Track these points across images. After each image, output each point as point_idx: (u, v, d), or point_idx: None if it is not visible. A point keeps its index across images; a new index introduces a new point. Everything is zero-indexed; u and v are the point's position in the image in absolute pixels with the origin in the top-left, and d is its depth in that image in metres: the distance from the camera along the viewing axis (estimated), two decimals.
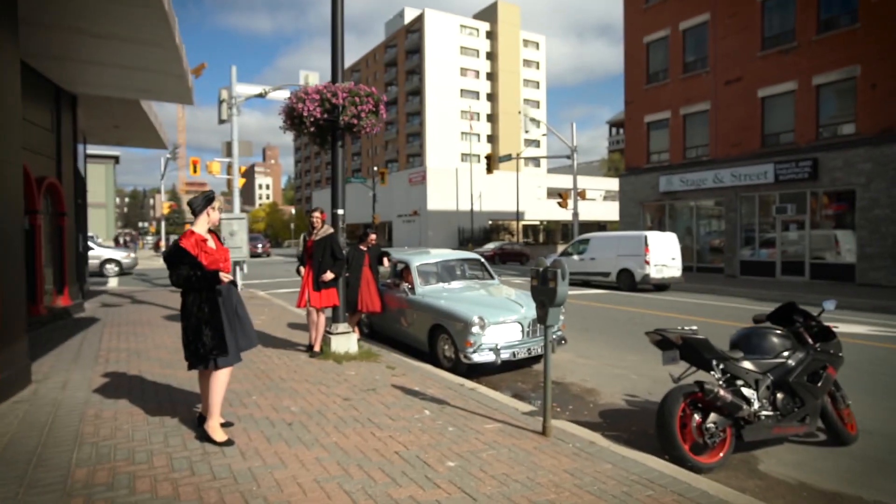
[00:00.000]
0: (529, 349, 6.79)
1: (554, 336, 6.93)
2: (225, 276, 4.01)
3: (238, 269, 14.96)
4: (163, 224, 35.16)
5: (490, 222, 51.28)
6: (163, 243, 33.67)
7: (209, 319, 3.97)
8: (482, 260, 8.82)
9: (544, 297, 4.30)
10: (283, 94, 16.90)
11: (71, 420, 4.41)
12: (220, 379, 4.03)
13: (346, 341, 7.17)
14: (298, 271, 7.27)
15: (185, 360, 4.05)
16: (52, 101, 9.37)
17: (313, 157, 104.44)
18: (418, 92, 69.64)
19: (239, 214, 15.37)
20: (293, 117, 6.98)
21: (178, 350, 4.54)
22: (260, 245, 38.93)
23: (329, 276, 6.85)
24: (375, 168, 44.93)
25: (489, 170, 29.83)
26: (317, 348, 7.05)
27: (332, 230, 7.11)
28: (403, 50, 71.86)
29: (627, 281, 15.81)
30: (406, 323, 7.87)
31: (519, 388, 6.36)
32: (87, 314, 9.96)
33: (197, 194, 4.14)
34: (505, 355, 6.57)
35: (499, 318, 6.69)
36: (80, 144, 12.72)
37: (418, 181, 51.25)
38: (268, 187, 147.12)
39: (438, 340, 7.11)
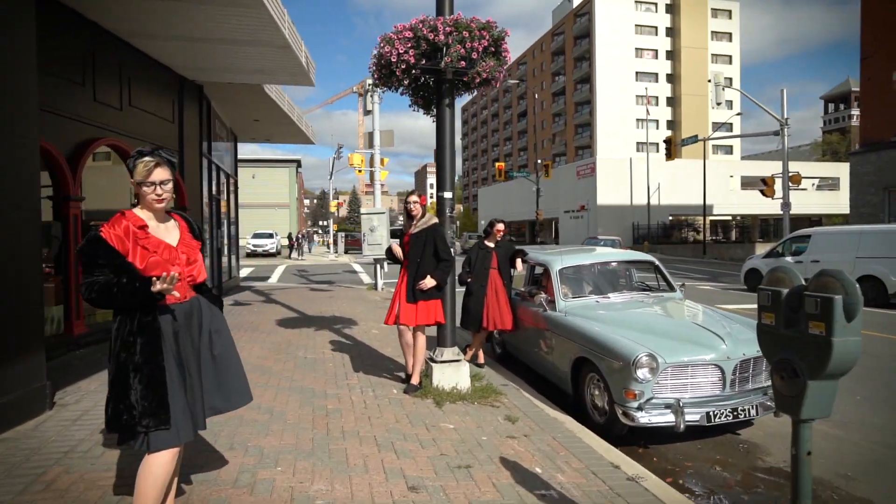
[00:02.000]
0: (735, 410, 4.21)
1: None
2: (169, 289, 2.30)
3: (378, 267, 14.01)
4: (330, 222, 37.07)
5: (671, 217, 45.71)
6: (332, 241, 35.31)
7: (140, 365, 2.33)
8: (657, 263, 6.25)
9: (799, 354, 1.92)
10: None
11: (32, 471, 3.16)
12: (154, 470, 2.34)
13: (455, 373, 5.25)
14: (389, 256, 5.49)
15: (105, 424, 2.45)
16: (175, 90, 8.96)
17: (480, 154, 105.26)
18: (588, 79, 65.47)
19: (380, 209, 14.42)
20: (381, 66, 5.25)
21: (251, 370, 3.03)
22: None
23: (429, 282, 5.01)
24: (539, 161, 42.67)
25: (669, 156, 25.77)
26: (415, 380, 5.24)
27: (435, 220, 5.25)
28: (571, 36, 68.16)
29: (874, 293, 11.52)
30: (543, 349, 5.71)
31: (717, 477, 3.85)
32: None
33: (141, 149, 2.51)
34: (693, 417, 4.10)
35: (682, 357, 4.23)
36: (224, 142, 12.70)
37: (587, 173, 47.72)
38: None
39: (585, 381, 4.85)
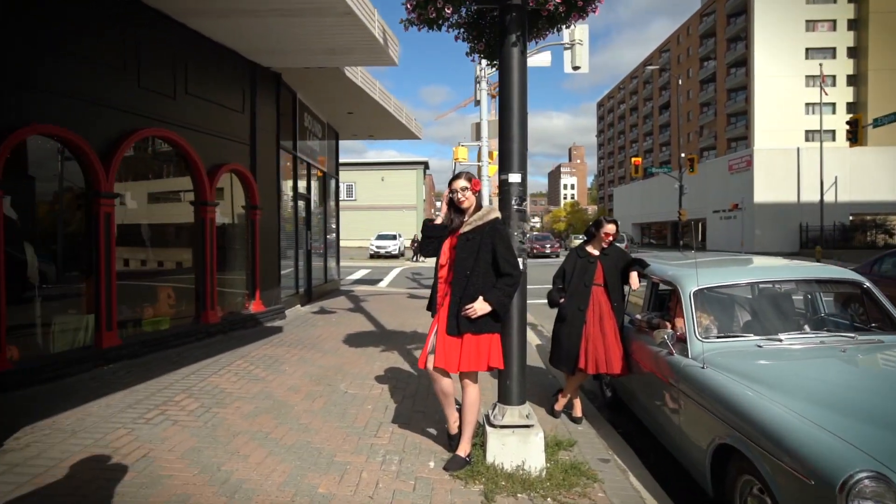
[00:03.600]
0: None
1: None
2: None
3: None
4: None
5: (851, 217, 38.39)
6: None
7: None
8: (866, 284, 3.83)
9: None
10: (545, 59, 13.81)
11: None
12: None
13: (521, 445, 3.48)
14: (419, 250, 3.87)
15: None
16: (245, 78, 8.16)
17: (617, 151, 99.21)
18: (743, 62, 57.97)
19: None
20: None
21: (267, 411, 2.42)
22: (548, 245, 36.75)
23: (481, 307, 3.32)
24: (683, 155, 38.16)
25: (855, 140, 21.02)
26: (462, 450, 3.54)
27: (496, 215, 3.53)
28: (724, 14, 60.92)
29: None
30: (667, 412, 3.73)
31: None
32: (277, 322, 8.55)
33: None
34: None
35: None
36: (319, 138, 11.96)
37: (741, 168, 41.90)
38: (573, 187, 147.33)
39: (737, 486, 2.82)
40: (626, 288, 4.70)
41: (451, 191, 3.55)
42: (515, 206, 3.64)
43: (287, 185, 9.79)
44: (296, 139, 10.06)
